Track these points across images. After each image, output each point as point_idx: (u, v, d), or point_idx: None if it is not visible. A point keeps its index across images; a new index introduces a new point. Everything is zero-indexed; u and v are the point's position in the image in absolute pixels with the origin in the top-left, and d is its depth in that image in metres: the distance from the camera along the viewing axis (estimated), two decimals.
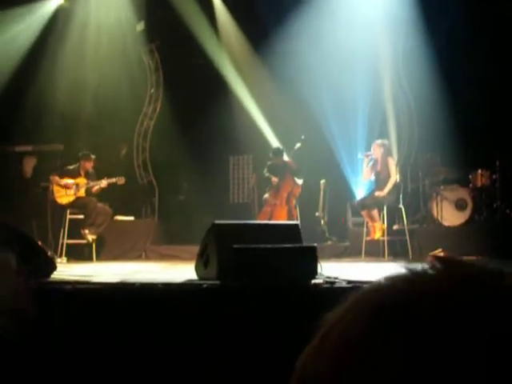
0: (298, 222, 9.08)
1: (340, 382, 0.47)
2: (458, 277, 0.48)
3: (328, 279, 3.90)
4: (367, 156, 8.69)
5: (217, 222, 4.31)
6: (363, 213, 8.69)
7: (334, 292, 3.69)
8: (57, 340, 3.38)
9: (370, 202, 8.56)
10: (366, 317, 0.48)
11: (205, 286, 3.78)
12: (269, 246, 3.99)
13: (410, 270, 0.50)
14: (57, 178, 8.63)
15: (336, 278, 3.92)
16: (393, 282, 0.50)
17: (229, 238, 4.09)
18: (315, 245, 4.14)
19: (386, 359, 0.45)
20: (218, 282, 3.89)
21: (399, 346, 0.45)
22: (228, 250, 3.91)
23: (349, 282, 3.83)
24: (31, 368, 3.21)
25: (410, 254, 8.13)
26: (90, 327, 3.54)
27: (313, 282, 3.87)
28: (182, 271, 5.86)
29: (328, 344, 0.50)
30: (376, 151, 8.60)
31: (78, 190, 8.64)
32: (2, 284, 0.88)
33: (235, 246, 3.89)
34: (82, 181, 8.72)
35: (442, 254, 7.80)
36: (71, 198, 8.61)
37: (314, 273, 3.95)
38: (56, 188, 8.59)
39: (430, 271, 0.49)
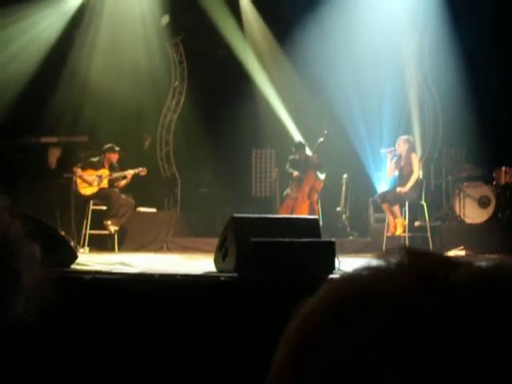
0: (320, 216, 9.17)
1: (297, 370, 0.49)
2: (415, 274, 0.49)
3: None
4: (391, 152, 8.66)
5: (236, 215, 4.34)
6: (384, 206, 8.66)
7: None
8: (76, 328, 3.44)
9: (391, 197, 8.53)
10: (327, 307, 0.50)
11: (222, 278, 3.81)
12: (287, 239, 4.01)
13: (380, 263, 0.52)
14: (80, 170, 8.72)
15: None
16: (360, 274, 0.52)
17: (247, 232, 4.11)
18: (333, 240, 4.14)
19: (341, 349, 0.47)
20: (235, 274, 3.92)
21: (356, 339, 0.47)
22: (246, 243, 3.94)
23: None
24: (52, 354, 3.27)
25: (431, 250, 8.07)
26: (108, 317, 3.59)
27: (330, 276, 3.88)
28: (202, 263, 5.91)
29: (293, 331, 0.51)
30: (401, 147, 8.56)
31: (101, 181, 8.72)
32: (28, 274, 0.93)
33: (253, 239, 3.91)
34: (104, 172, 8.80)
35: (463, 252, 7.77)
36: (94, 190, 8.70)
37: (331, 268, 3.96)
38: (79, 180, 8.70)
39: (395, 264, 0.51)
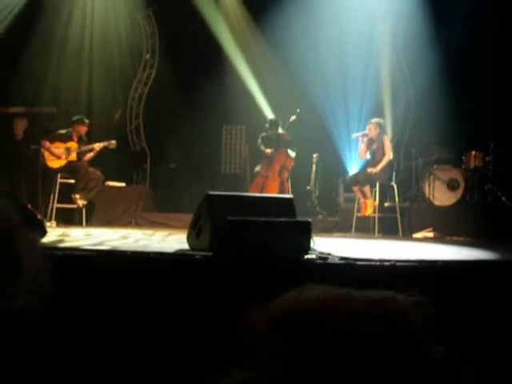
0: (292, 195, 9.16)
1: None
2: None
3: (321, 255, 3.88)
4: (362, 136, 8.66)
5: (211, 192, 4.26)
6: (355, 188, 8.69)
7: (326, 268, 3.69)
8: (48, 306, 3.36)
9: (362, 178, 8.56)
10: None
11: (197, 256, 3.76)
12: (263, 219, 3.96)
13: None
14: (47, 143, 8.52)
15: (329, 254, 3.90)
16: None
17: (222, 209, 4.04)
18: (310, 220, 4.11)
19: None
20: (210, 253, 3.86)
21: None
22: (221, 221, 3.87)
23: (341, 258, 3.82)
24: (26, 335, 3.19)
25: (400, 231, 8.15)
26: (80, 294, 3.52)
27: (306, 257, 3.85)
28: (172, 240, 5.86)
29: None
30: (372, 130, 8.57)
31: (70, 154, 8.55)
32: (29, 262, 0.87)
33: (229, 217, 3.85)
34: (73, 145, 8.62)
35: (431, 233, 7.84)
36: (63, 162, 8.53)
37: (307, 248, 3.93)
38: (47, 153, 8.51)
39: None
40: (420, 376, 0.79)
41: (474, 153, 8.85)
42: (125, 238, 6.11)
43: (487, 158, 8.85)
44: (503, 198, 8.64)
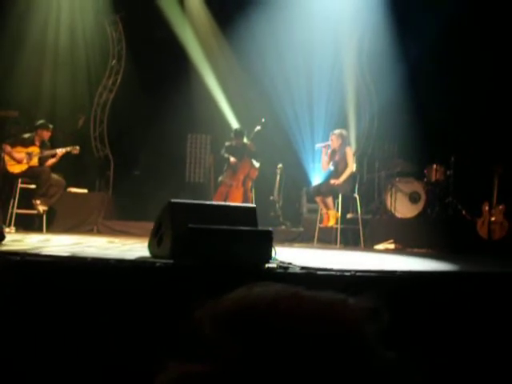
0: (255, 205, 9.18)
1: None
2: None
3: (282, 264, 3.90)
4: (325, 147, 8.73)
5: (173, 200, 4.25)
6: (317, 199, 8.74)
7: (287, 277, 3.70)
8: (2, 311, 3.30)
9: (325, 189, 8.61)
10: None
11: (158, 264, 3.73)
12: (224, 227, 3.96)
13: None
14: (8, 147, 8.39)
15: (290, 264, 3.92)
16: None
17: (184, 217, 4.03)
18: (271, 229, 4.12)
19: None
20: (171, 260, 3.85)
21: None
22: (183, 228, 3.86)
23: (302, 267, 3.84)
24: None
25: (362, 243, 8.22)
26: (37, 300, 3.46)
27: (267, 266, 3.86)
28: (133, 247, 5.82)
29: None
30: (334, 141, 8.64)
31: (31, 159, 8.44)
32: None
33: (190, 225, 3.84)
34: (35, 150, 8.51)
35: (392, 245, 7.93)
36: (23, 167, 8.41)
37: (268, 257, 3.95)
38: (7, 157, 8.38)
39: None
40: (369, 380, 0.79)
41: (435, 166, 8.98)
42: (78, 244, 6.05)
43: (448, 172, 8.99)
44: (463, 212, 8.78)
